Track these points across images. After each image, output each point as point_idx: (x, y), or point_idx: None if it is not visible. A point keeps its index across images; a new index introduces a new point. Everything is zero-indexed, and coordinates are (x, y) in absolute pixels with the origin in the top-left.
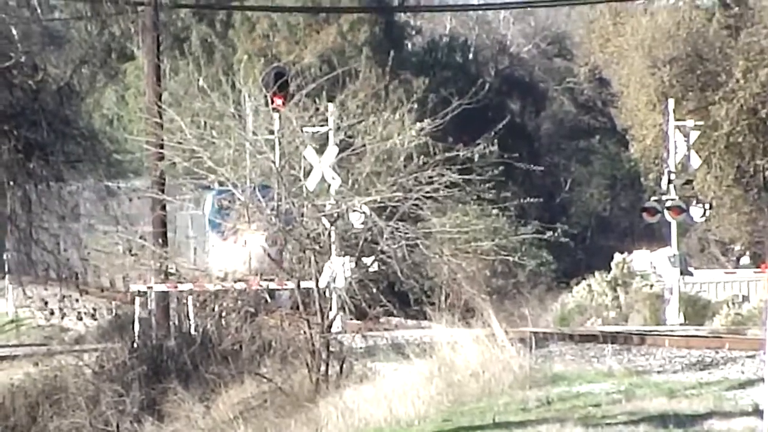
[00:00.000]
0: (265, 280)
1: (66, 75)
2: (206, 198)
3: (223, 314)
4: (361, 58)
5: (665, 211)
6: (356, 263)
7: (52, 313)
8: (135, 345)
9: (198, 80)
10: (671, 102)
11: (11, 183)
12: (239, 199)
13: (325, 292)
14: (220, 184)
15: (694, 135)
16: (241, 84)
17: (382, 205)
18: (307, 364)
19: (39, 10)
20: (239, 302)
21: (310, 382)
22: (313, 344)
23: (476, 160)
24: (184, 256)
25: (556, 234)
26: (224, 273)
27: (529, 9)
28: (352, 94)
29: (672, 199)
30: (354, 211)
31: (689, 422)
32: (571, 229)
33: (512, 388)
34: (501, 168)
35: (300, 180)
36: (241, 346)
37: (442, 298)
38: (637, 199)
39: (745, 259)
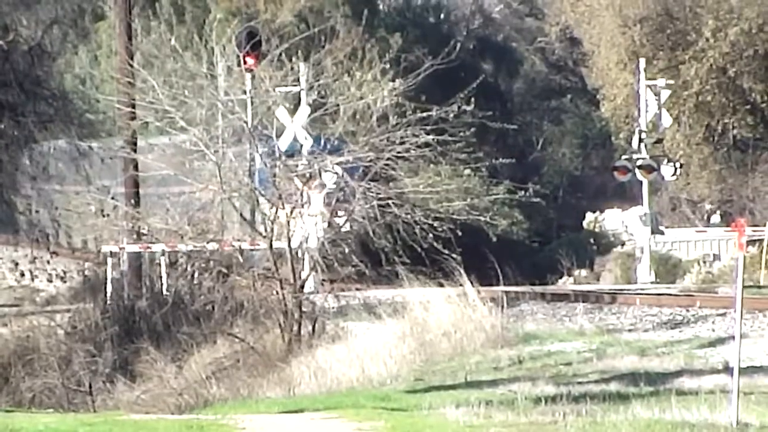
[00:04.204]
0: (237, 240)
1: (37, 35)
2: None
3: (196, 275)
4: (337, 17)
5: (636, 170)
6: (329, 223)
7: (22, 274)
8: (107, 306)
9: (170, 40)
10: (642, 61)
11: None
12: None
13: (297, 252)
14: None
15: (664, 94)
16: (213, 43)
17: (354, 165)
18: (280, 324)
19: None
20: (212, 263)
21: (282, 342)
22: (285, 304)
23: (450, 119)
24: (230, 223)
25: (527, 194)
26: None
27: None
28: (327, 54)
29: (643, 158)
30: (326, 171)
31: (660, 380)
32: (543, 189)
33: (484, 347)
34: (473, 128)
35: (272, 140)
36: (213, 307)
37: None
38: (608, 158)
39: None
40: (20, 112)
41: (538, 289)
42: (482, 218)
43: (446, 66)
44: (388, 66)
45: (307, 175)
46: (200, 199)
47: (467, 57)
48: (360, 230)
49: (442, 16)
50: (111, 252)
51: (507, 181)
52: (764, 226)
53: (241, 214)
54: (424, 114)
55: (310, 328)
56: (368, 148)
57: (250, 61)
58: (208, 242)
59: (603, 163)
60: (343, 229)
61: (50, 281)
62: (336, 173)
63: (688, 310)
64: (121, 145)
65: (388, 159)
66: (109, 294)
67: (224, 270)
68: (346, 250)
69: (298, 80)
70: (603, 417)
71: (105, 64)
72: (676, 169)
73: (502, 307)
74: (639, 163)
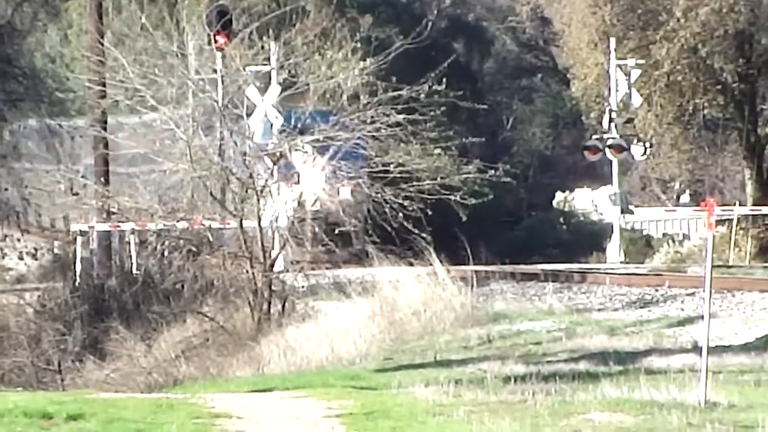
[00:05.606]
0: (207, 219)
1: (7, 13)
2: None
3: (166, 253)
4: None
5: (606, 150)
6: (299, 202)
7: None
8: (77, 284)
9: (141, 18)
10: (612, 41)
11: None
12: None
13: (267, 231)
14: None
15: (635, 74)
16: (184, 22)
17: (325, 144)
18: (250, 303)
19: None
20: (182, 241)
21: (252, 320)
22: (255, 283)
23: (421, 99)
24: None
25: (498, 173)
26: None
27: None
28: (298, 33)
29: (613, 138)
30: (296, 150)
31: (629, 359)
32: (514, 168)
33: (454, 326)
34: (444, 108)
35: (243, 119)
36: (183, 286)
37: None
38: (579, 138)
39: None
40: None
41: (508, 268)
42: (452, 197)
43: (417, 45)
44: (358, 45)
45: (277, 154)
46: (170, 178)
47: (438, 36)
48: (330, 209)
49: None
50: (81, 231)
51: (477, 160)
52: (733, 205)
53: (211, 193)
54: (395, 93)
55: (280, 307)
56: (338, 128)
57: (220, 39)
58: (178, 221)
59: (573, 142)
60: (312, 208)
61: (21, 259)
62: (306, 152)
63: (657, 290)
64: (91, 124)
65: (359, 138)
66: (78, 273)
67: (194, 249)
68: (316, 229)
69: (269, 59)
70: (572, 396)
71: (75, 43)
72: (646, 148)
73: (472, 286)
74: (609, 142)
